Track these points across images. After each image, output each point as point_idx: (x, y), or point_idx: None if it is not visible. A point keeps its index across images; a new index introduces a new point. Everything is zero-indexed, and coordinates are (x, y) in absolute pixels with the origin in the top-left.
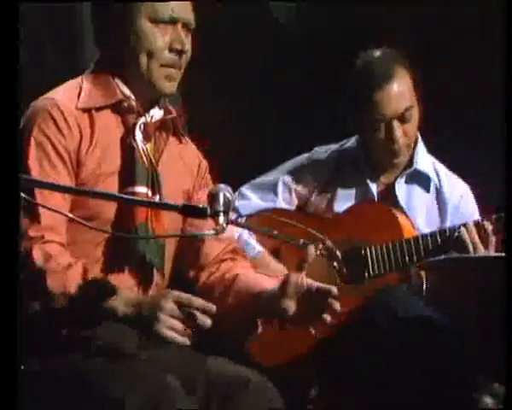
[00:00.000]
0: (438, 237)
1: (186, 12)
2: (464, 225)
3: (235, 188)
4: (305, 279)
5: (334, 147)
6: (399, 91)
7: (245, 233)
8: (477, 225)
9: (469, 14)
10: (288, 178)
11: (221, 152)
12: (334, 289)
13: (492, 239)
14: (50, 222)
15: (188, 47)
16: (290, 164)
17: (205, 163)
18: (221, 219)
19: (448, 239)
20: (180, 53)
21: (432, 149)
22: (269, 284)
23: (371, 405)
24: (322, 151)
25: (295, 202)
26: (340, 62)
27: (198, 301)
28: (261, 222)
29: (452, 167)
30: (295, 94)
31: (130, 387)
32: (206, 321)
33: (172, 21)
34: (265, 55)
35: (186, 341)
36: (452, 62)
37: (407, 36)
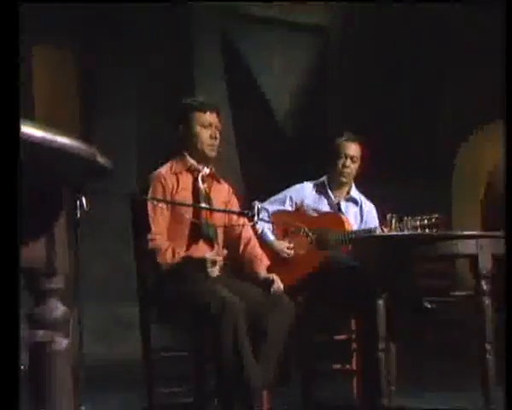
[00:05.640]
0: (361, 231)
1: (215, 120)
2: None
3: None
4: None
5: (315, 181)
6: (354, 147)
7: (264, 229)
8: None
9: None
10: (292, 194)
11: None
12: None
13: None
14: (157, 230)
15: (218, 135)
16: (291, 188)
17: (231, 189)
18: (255, 217)
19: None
20: (215, 138)
21: (358, 186)
22: (263, 272)
23: (329, 305)
24: (309, 183)
25: (294, 207)
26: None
27: (218, 257)
28: (277, 218)
29: (366, 194)
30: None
31: (214, 298)
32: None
33: (210, 125)
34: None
35: (217, 273)
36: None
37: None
